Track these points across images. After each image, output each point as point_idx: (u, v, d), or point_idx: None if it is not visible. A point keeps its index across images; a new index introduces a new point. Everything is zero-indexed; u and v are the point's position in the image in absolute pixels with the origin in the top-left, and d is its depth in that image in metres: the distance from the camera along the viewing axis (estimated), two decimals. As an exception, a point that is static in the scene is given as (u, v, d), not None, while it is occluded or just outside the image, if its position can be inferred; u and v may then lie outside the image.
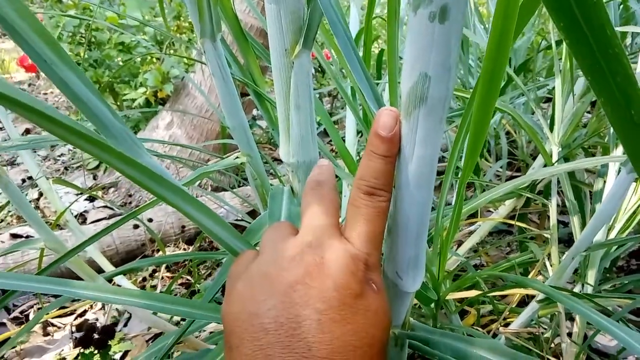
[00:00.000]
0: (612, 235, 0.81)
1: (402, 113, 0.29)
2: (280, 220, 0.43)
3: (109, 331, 0.77)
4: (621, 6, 0.90)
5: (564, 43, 0.75)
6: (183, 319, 1.15)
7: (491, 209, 1.41)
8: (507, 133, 1.85)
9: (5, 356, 1.17)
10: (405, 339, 0.43)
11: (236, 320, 0.30)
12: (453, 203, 0.60)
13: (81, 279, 0.76)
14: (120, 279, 1.14)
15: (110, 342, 0.76)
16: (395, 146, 0.31)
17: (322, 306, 0.28)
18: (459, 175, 0.53)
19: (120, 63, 1.94)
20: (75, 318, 1.32)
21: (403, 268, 0.36)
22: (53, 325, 1.31)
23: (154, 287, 1.38)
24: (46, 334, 1.27)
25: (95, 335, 0.75)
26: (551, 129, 0.92)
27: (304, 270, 0.30)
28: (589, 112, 1.81)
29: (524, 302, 0.93)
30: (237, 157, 0.62)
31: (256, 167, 0.62)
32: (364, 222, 0.32)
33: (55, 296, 1.36)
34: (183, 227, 1.64)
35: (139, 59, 1.87)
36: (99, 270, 0.88)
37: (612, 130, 0.84)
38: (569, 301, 0.49)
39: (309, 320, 0.28)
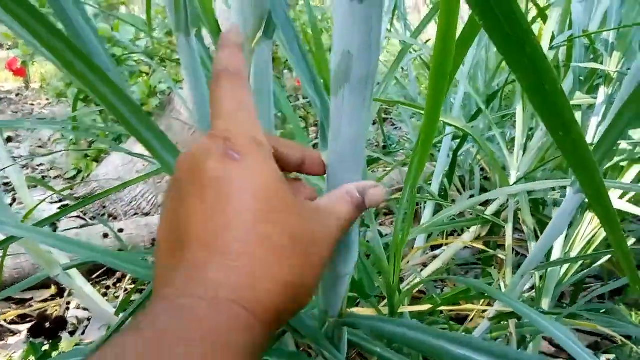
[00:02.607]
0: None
1: (332, 91, 0.30)
2: None
3: (61, 321, 0.76)
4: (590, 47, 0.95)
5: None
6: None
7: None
8: (482, 169, 1.90)
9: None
10: (342, 328, 0.45)
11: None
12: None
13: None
14: (84, 285, 1.13)
15: (60, 334, 0.75)
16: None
17: None
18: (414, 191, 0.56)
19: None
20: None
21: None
22: (9, 331, 1.28)
23: (117, 297, 1.36)
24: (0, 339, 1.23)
25: (47, 325, 0.74)
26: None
27: None
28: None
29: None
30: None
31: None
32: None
33: (16, 302, 1.33)
34: (154, 240, 1.63)
35: (127, 73, 1.90)
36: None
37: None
38: (523, 308, 0.50)
39: None
